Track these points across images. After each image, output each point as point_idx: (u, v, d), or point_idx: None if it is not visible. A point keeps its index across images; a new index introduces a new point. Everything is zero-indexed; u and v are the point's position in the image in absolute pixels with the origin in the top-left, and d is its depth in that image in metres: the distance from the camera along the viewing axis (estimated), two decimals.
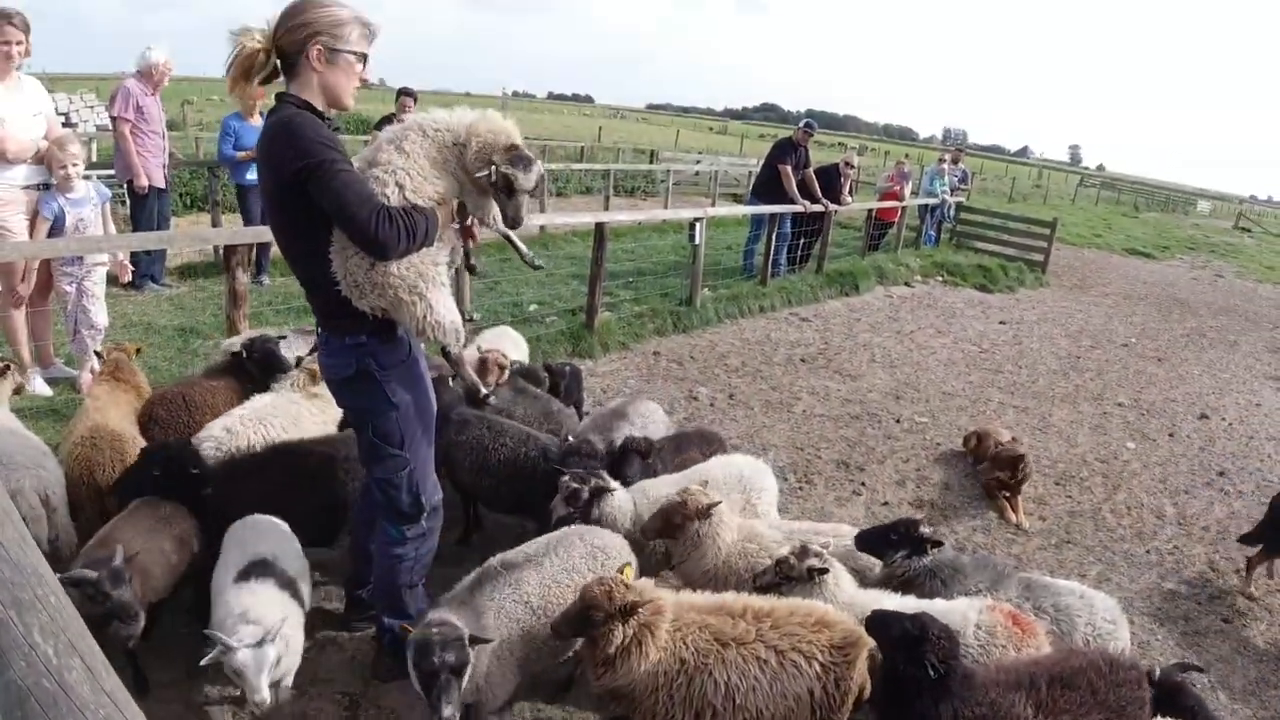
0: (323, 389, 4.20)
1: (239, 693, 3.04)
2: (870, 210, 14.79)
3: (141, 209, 8.25)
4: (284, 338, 4.96)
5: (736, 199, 21.02)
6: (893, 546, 3.67)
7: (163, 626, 3.52)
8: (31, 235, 5.46)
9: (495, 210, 3.07)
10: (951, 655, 2.78)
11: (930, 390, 8.46)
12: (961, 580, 3.59)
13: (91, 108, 24.34)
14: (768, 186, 11.81)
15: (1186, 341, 12.64)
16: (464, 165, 2.91)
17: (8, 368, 4.32)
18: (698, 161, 28.27)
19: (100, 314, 5.81)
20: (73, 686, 1.52)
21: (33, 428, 4.05)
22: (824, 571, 3.30)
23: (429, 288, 2.90)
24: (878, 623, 2.92)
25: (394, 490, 3.23)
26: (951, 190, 17.27)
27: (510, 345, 5.79)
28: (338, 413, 4.37)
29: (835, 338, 10.01)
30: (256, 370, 4.75)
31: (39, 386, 5.83)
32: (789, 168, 11.48)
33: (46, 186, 5.56)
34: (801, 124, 12.16)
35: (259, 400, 4.36)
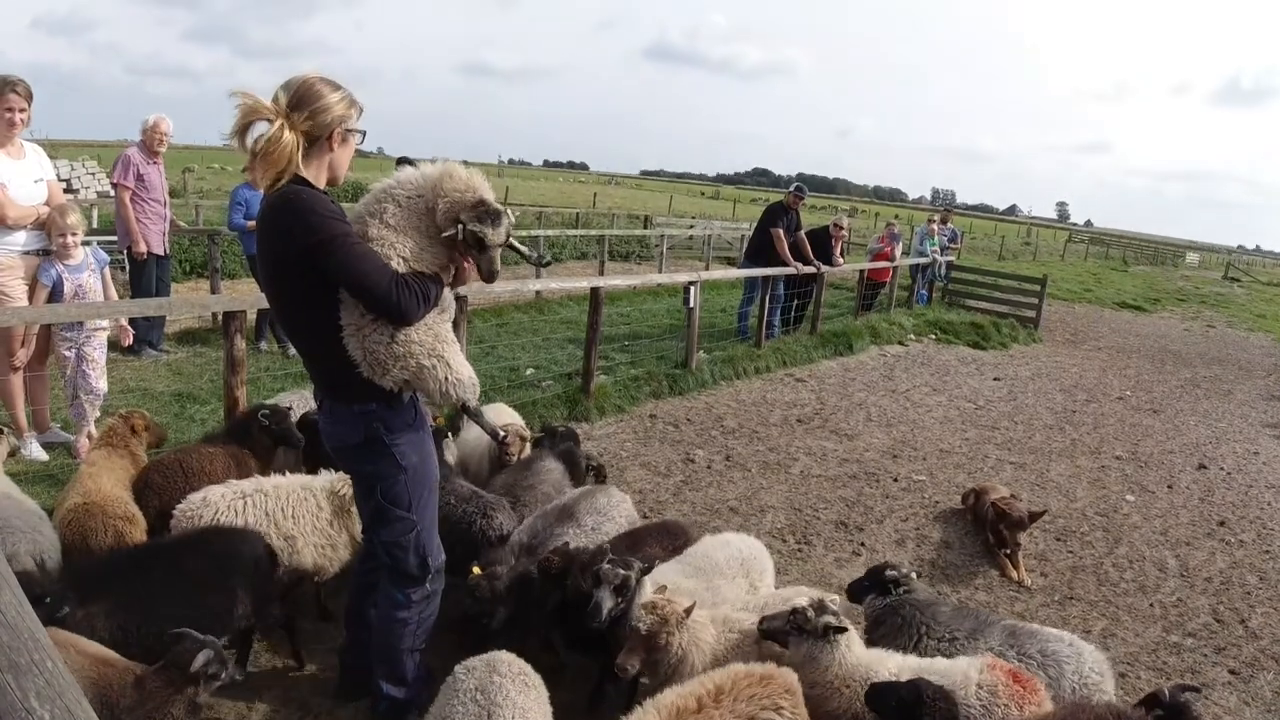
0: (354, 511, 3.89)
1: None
2: (862, 271, 14.96)
3: (141, 275, 8.37)
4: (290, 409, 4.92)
5: (730, 262, 21.23)
6: (866, 590, 3.96)
7: None
8: (31, 301, 5.50)
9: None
10: (950, 718, 2.76)
11: (927, 448, 8.46)
12: (926, 618, 3.71)
13: (93, 174, 24.62)
14: (761, 250, 11.95)
15: (1181, 392, 12.69)
16: (437, 225, 2.97)
17: (1, 431, 4.33)
18: (691, 226, 28.59)
19: (100, 380, 5.82)
20: None
21: (28, 492, 4.03)
22: (841, 630, 3.14)
23: (445, 348, 2.99)
24: (874, 696, 2.93)
25: (400, 552, 3.22)
26: (942, 250, 17.49)
27: (509, 419, 5.80)
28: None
29: (831, 398, 10.04)
30: (269, 440, 4.67)
31: (35, 451, 5.83)
32: (781, 231, 11.64)
33: (47, 253, 5.63)
34: (792, 188, 12.35)
35: (268, 481, 4.10)
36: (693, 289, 9.65)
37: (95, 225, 12.78)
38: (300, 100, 2.85)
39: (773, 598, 3.71)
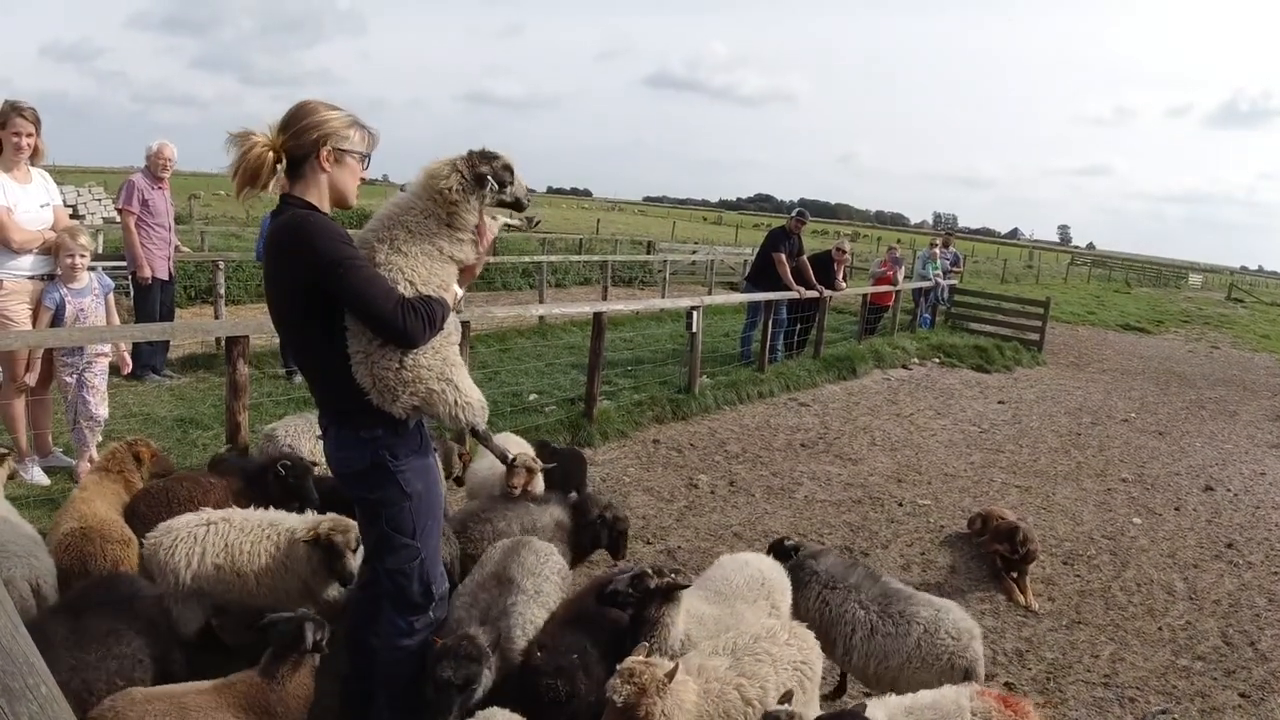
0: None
1: None
2: (865, 295, 14.99)
3: (145, 300, 8.42)
4: (316, 465, 4.64)
5: (733, 287, 21.28)
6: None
7: None
8: (34, 324, 5.53)
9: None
10: None
11: (932, 472, 8.43)
12: (820, 572, 4.14)
13: (99, 200, 24.89)
14: (763, 274, 11.99)
15: (1187, 414, 12.64)
16: (459, 223, 2.98)
17: (4, 455, 4.33)
18: (694, 251, 28.72)
19: (100, 406, 5.83)
20: None
21: (29, 517, 4.03)
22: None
23: (454, 371, 2.99)
24: None
25: (405, 580, 3.20)
26: (944, 273, 17.52)
27: (515, 449, 5.72)
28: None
29: (835, 422, 10.02)
30: (278, 491, 4.44)
31: (36, 475, 5.84)
32: (783, 255, 11.67)
33: (52, 277, 5.65)
34: (794, 213, 12.39)
35: (240, 513, 3.94)
36: (695, 313, 9.66)
37: (101, 250, 12.89)
38: (289, 119, 2.88)
39: (740, 638, 3.39)
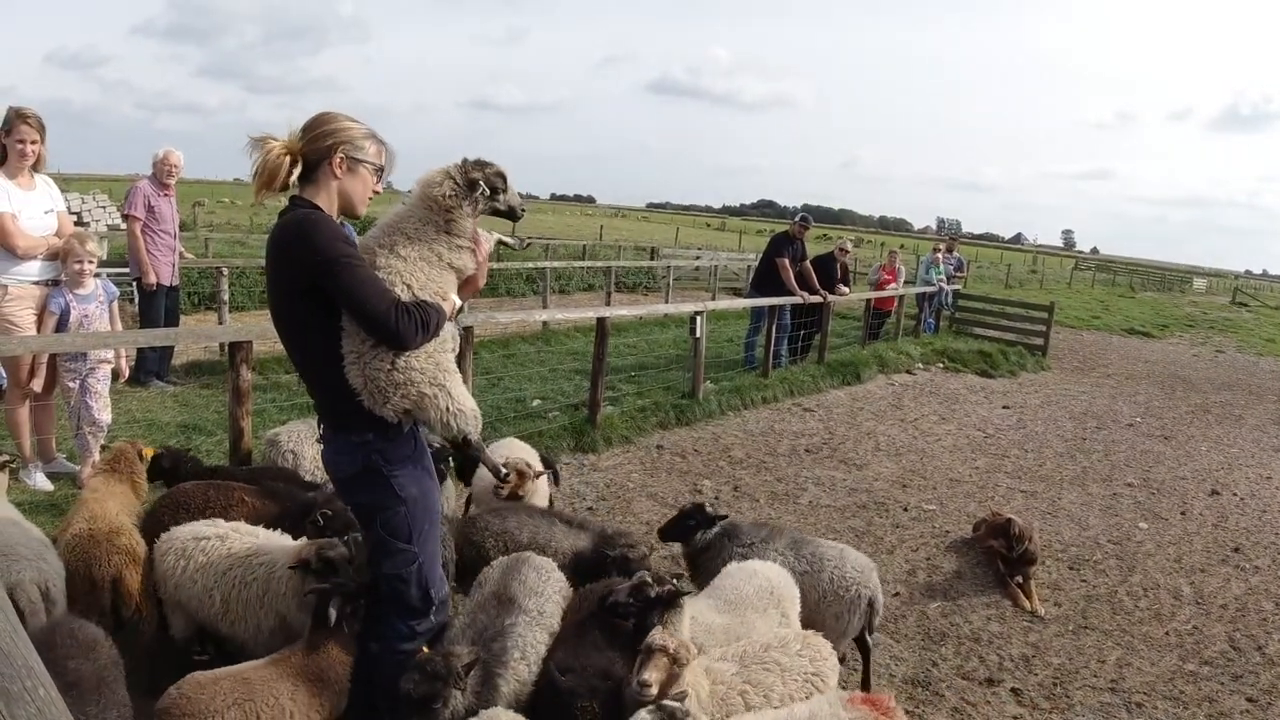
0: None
1: None
2: (868, 300, 14.98)
3: (150, 306, 8.45)
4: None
5: (736, 293, 21.27)
6: (693, 530, 4.56)
7: None
8: (39, 330, 5.53)
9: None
10: None
11: (937, 477, 8.40)
12: (741, 537, 4.49)
13: (103, 207, 24.97)
14: (766, 279, 11.98)
15: (1192, 418, 12.60)
16: (456, 229, 3.01)
17: (7, 461, 4.33)
18: (697, 257, 28.70)
19: (103, 411, 5.83)
20: None
21: (32, 522, 4.02)
22: None
23: (447, 378, 2.98)
24: None
25: (403, 585, 3.19)
26: (948, 278, 17.51)
27: (520, 453, 5.62)
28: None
29: (839, 427, 9.99)
30: (311, 534, 3.92)
31: (40, 481, 5.83)
32: (786, 260, 11.67)
33: (56, 283, 5.66)
34: (797, 218, 12.37)
35: (241, 532, 3.84)
36: (699, 319, 9.66)
37: (105, 257, 12.96)
38: (309, 125, 2.95)
39: (750, 645, 3.43)
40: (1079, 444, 10.33)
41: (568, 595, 3.86)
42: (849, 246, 14.10)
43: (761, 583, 3.93)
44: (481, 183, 3.00)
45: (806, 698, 3.17)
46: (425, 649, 3.06)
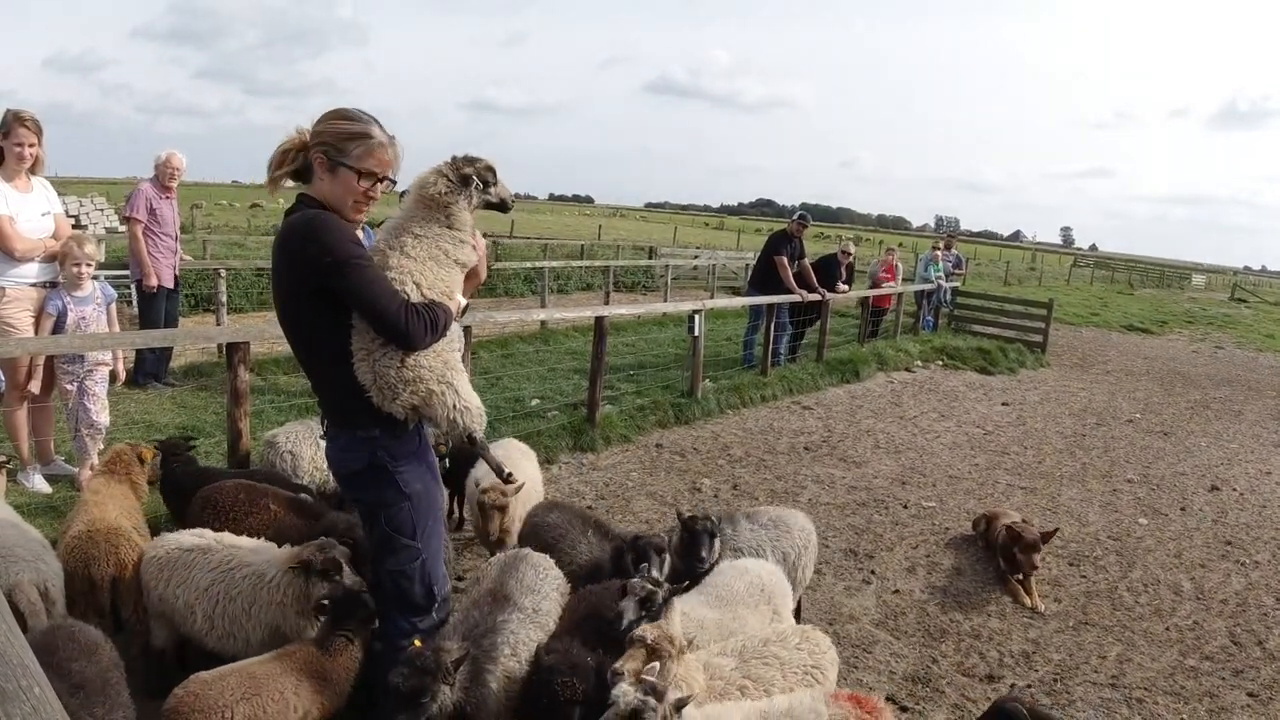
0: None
1: None
2: (867, 298, 14.98)
3: (150, 308, 8.46)
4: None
5: (735, 292, 21.27)
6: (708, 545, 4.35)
7: None
8: (36, 331, 5.53)
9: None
10: None
11: (936, 474, 8.40)
12: (732, 529, 4.68)
13: (101, 210, 25.01)
14: (765, 277, 11.97)
15: (1191, 414, 12.60)
16: (456, 222, 3.06)
17: (4, 463, 4.32)
18: (696, 256, 28.70)
19: (101, 414, 5.82)
20: None
21: (31, 524, 4.02)
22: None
23: (454, 375, 3.02)
24: None
25: (406, 582, 3.21)
26: (946, 276, 17.51)
27: (519, 455, 5.57)
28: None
29: (838, 425, 9.99)
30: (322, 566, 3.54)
31: (38, 484, 5.83)
32: (784, 259, 11.66)
33: (54, 285, 5.66)
34: (795, 216, 12.37)
35: (228, 542, 3.78)
36: (697, 317, 9.65)
37: (103, 259, 12.98)
38: (318, 120, 2.96)
39: (750, 640, 3.42)
40: (1078, 440, 10.33)
41: (566, 593, 3.86)
42: (851, 248, 14.11)
43: (753, 579, 3.97)
44: (474, 177, 3.03)
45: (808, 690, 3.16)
46: (418, 643, 3.04)
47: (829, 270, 12.93)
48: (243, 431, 5.49)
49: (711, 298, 18.10)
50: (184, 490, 4.58)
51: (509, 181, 3.20)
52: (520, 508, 4.83)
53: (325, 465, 5.15)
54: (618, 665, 2.88)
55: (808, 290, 11.90)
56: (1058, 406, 12.33)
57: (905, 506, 7.36)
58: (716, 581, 4.00)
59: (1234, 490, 8.72)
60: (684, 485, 7.35)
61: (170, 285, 8.55)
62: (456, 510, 5.93)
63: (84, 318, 5.68)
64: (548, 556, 4.00)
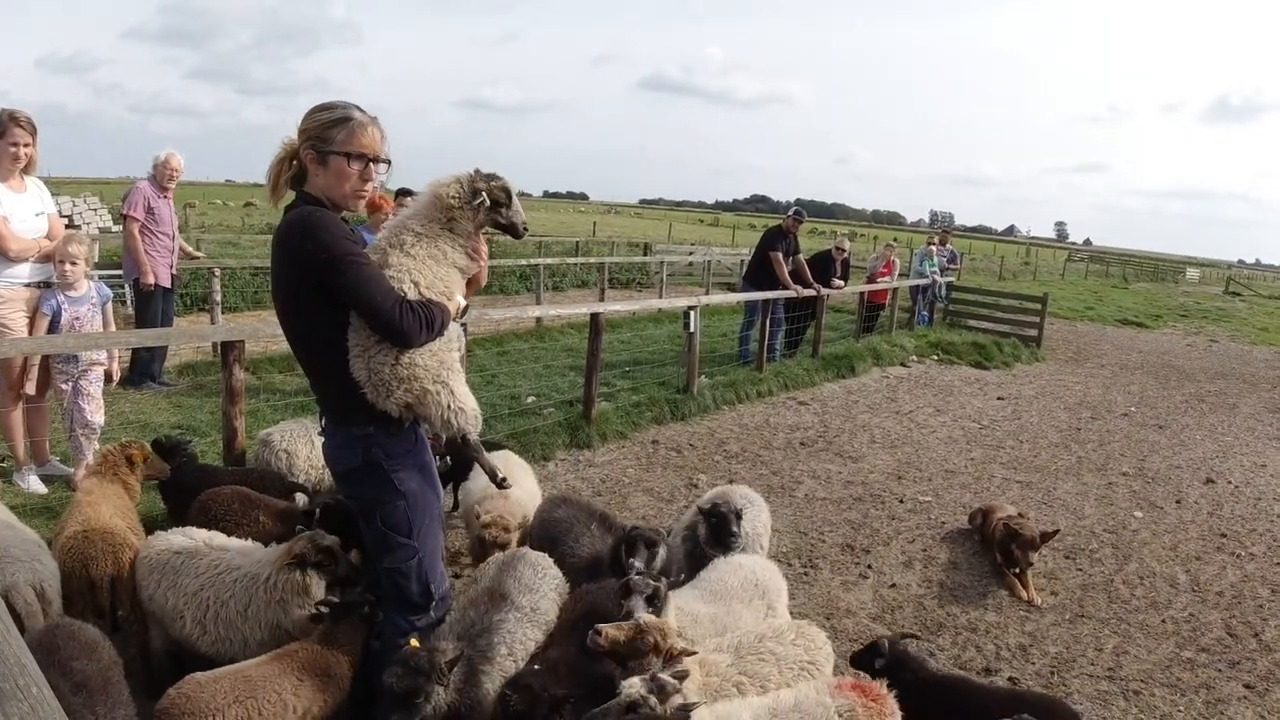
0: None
1: None
2: (862, 293, 14.99)
3: (147, 307, 8.47)
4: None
5: (730, 288, 21.26)
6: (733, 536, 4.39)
7: None
8: (31, 331, 5.51)
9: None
10: None
11: (932, 469, 8.40)
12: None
13: (95, 210, 24.95)
14: (759, 273, 11.98)
15: (1186, 407, 12.62)
16: (457, 229, 3.07)
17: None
18: (691, 253, 28.69)
19: (96, 413, 5.81)
20: None
21: (27, 524, 4.01)
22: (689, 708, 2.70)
23: (450, 375, 3.02)
24: None
25: (403, 580, 3.21)
26: (941, 271, 17.53)
27: (517, 469, 5.29)
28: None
29: (834, 420, 9.99)
30: (317, 558, 3.58)
31: (34, 484, 5.82)
32: (780, 254, 11.66)
33: (48, 285, 5.64)
34: (791, 212, 12.37)
35: (229, 554, 3.71)
36: (693, 313, 9.65)
37: (96, 259, 12.94)
38: (302, 119, 2.96)
39: (746, 636, 3.40)
40: (1074, 434, 10.34)
41: (564, 592, 3.86)
42: (846, 245, 14.11)
43: (747, 575, 3.99)
44: (484, 193, 3.04)
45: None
46: (414, 642, 3.04)
47: (824, 266, 12.94)
48: (238, 430, 5.49)
49: (707, 294, 18.10)
50: (186, 490, 4.59)
51: (513, 181, 3.18)
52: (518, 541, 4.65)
53: (321, 464, 5.17)
54: (603, 627, 2.92)
55: (803, 286, 11.90)
56: (1053, 400, 12.35)
57: (901, 501, 7.36)
58: (710, 576, 4.03)
59: (1229, 483, 8.74)
60: (680, 481, 7.35)
61: (167, 284, 8.53)
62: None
63: (79, 318, 5.66)
64: (546, 555, 4.00)
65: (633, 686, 2.66)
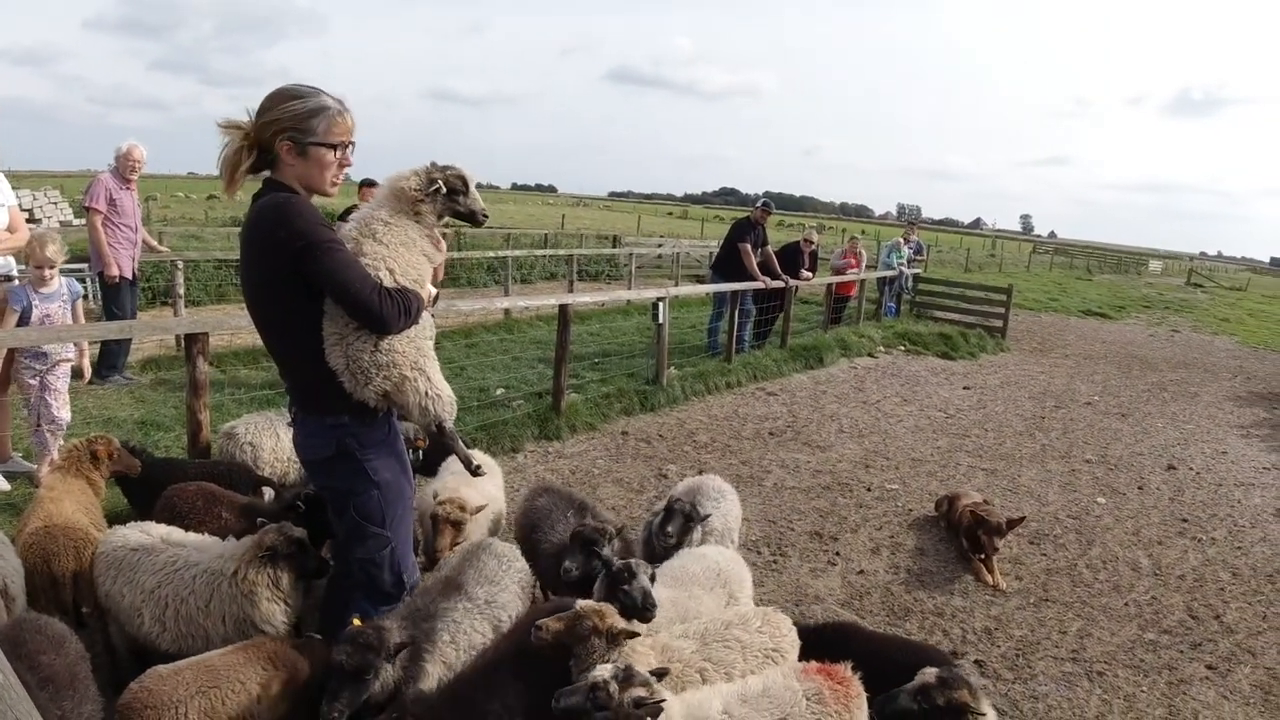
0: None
1: None
2: (830, 285, 15.05)
3: (114, 300, 8.32)
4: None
5: (699, 279, 21.27)
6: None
7: None
8: None
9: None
10: None
11: (899, 457, 8.47)
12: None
13: (55, 203, 24.54)
14: (727, 263, 11.97)
15: (1149, 396, 12.83)
16: (422, 220, 3.08)
17: None
18: (660, 245, 28.67)
19: (63, 409, 5.72)
20: None
21: None
22: (658, 706, 2.65)
23: (427, 363, 3.03)
24: None
25: (375, 569, 3.19)
26: (908, 262, 17.66)
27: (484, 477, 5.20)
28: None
29: (802, 410, 10.04)
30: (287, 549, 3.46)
31: None
32: (749, 246, 11.67)
33: (9, 278, 5.52)
34: (759, 203, 12.38)
35: (186, 550, 3.59)
36: (661, 305, 9.64)
37: (65, 258, 12.74)
38: (260, 108, 2.89)
39: (711, 624, 3.39)
40: (1038, 422, 10.47)
41: (528, 584, 3.85)
42: (814, 237, 14.15)
43: (709, 564, 4.00)
44: (440, 182, 3.05)
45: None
46: (357, 621, 3.01)
47: (792, 258, 12.98)
48: (203, 424, 5.41)
49: (676, 285, 18.09)
50: (150, 485, 4.49)
51: (471, 170, 3.19)
52: (477, 531, 4.44)
53: (287, 456, 5.10)
54: (542, 620, 2.89)
55: (771, 278, 11.92)
56: (1017, 390, 12.50)
57: (869, 489, 7.41)
58: (673, 565, 4.04)
59: (1190, 469, 8.89)
60: (650, 472, 7.35)
61: (130, 276, 8.40)
62: None
63: (49, 315, 5.57)
64: (514, 547, 3.99)
65: (602, 671, 2.64)
